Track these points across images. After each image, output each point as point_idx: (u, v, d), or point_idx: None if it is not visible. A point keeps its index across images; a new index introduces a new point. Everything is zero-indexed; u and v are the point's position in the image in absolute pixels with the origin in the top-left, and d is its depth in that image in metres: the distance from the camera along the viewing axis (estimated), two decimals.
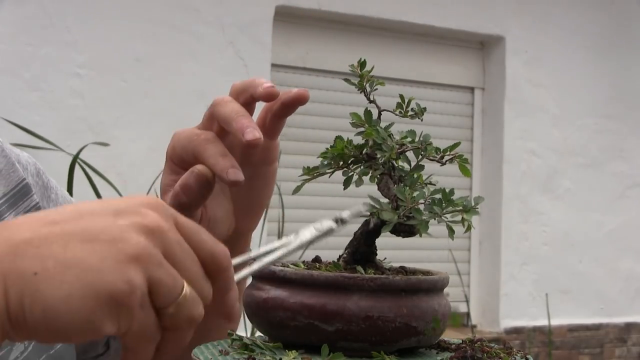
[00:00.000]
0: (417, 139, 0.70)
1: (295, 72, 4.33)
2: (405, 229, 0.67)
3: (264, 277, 0.67)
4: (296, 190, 0.74)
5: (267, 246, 0.64)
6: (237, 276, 0.59)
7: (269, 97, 0.75)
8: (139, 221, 0.50)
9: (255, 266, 0.61)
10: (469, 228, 0.65)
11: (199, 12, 3.95)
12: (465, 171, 0.71)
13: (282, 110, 0.77)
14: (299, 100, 0.77)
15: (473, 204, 0.65)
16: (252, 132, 0.71)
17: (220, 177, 0.72)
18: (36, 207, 0.84)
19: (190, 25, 3.92)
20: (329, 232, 0.66)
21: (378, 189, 0.70)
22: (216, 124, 0.76)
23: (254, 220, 0.84)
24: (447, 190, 0.66)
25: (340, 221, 0.66)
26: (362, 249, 0.70)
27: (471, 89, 4.94)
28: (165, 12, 3.87)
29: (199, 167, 0.73)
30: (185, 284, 0.51)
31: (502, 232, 4.79)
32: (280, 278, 0.65)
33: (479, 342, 0.67)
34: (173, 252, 0.51)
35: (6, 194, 0.83)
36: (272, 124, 0.78)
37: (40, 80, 3.61)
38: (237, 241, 0.84)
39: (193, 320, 0.51)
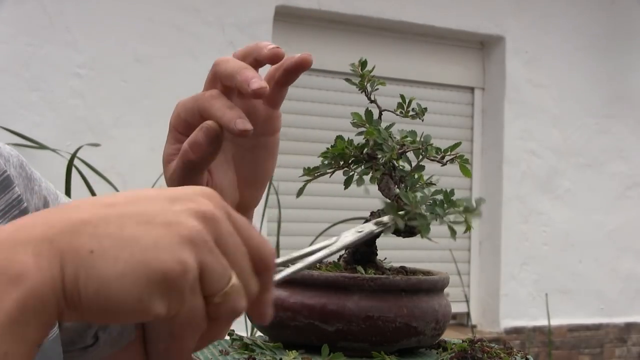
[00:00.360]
0: (417, 139, 0.70)
1: None
2: (406, 230, 0.67)
3: None
4: (300, 192, 0.74)
5: (310, 247, 0.64)
6: (279, 276, 0.59)
7: (274, 58, 0.74)
8: (193, 207, 0.51)
9: (299, 266, 0.62)
10: (468, 228, 0.65)
11: (199, 12, 3.95)
12: (466, 171, 0.71)
13: (285, 76, 0.76)
14: (302, 66, 0.76)
15: (475, 206, 0.65)
16: (258, 82, 0.70)
17: (228, 128, 0.71)
18: (18, 200, 0.84)
19: (190, 25, 3.92)
20: (369, 235, 0.66)
21: (379, 189, 0.70)
22: (219, 84, 0.75)
23: (257, 193, 0.83)
24: (447, 191, 0.66)
25: (381, 224, 0.67)
26: (362, 249, 0.70)
27: (471, 89, 4.94)
28: (165, 12, 3.87)
29: (208, 122, 0.73)
30: (234, 275, 0.51)
31: (502, 232, 4.79)
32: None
33: (479, 342, 0.66)
34: (225, 241, 0.51)
35: None
36: (275, 92, 0.77)
37: (40, 80, 3.61)
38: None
39: (236, 312, 0.52)
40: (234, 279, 0.51)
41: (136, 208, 0.50)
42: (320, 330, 0.62)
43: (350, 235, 0.65)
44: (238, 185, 0.81)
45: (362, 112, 0.71)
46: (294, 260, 0.63)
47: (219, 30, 3.98)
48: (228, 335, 0.68)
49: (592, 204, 5.01)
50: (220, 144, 0.73)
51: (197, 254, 0.49)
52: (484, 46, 4.93)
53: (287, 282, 0.65)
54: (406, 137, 0.70)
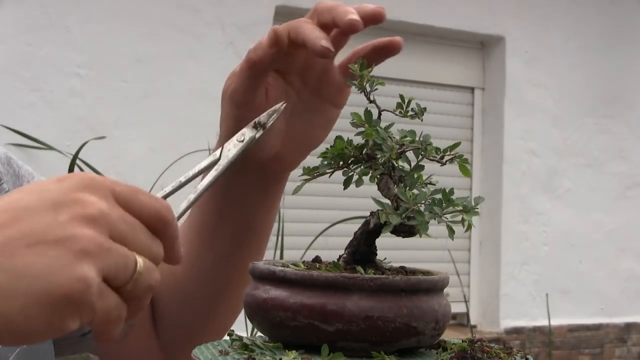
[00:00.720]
0: (417, 139, 0.70)
1: None
2: (405, 229, 0.67)
3: (264, 277, 0.67)
4: (296, 190, 0.73)
5: (196, 168, 0.62)
6: (177, 211, 0.58)
7: (377, 16, 0.75)
8: (79, 212, 0.49)
9: (192, 197, 0.60)
10: (469, 228, 0.65)
11: (199, 12, 3.95)
12: (465, 171, 0.71)
13: (370, 55, 0.77)
14: (392, 48, 0.77)
15: (473, 204, 0.65)
16: (355, 15, 0.72)
17: (312, 45, 0.72)
18: None
19: (190, 25, 3.92)
20: (252, 141, 0.64)
21: (378, 189, 0.70)
22: (315, 20, 0.77)
23: (299, 157, 0.84)
24: (447, 191, 0.66)
25: (259, 125, 0.65)
26: (362, 249, 0.70)
27: (471, 89, 4.94)
28: (165, 12, 3.87)
29: (275, 26, 0.75)
30: (138, 257, 0.51)
31: (502, 232, 4.79)
32: (280, 278, 0.65)
33: (479, 342, 0.66)
34: (119, 230, 0.50)
35: None
36: None
37: (40, 80, 3.61)
38: (276, 181, 0.83)
39: (152, 287, 0.52)
40: (140, 262, 0.51)
41: (21, 227, 0.48)
42: (320, 330, 0.62)
43: (233, 147, 0.64)
44: (285, 144, 0.81)
45: (361, 112, 0.71)
46: (182, 186, 0.61)
47: (219, 30, 3.98)
48: (228, 335, 0.69)
49: (592, 204, 5.02)
50: (281, 48, 0.74)
51: (95, 262, 0.48)
52: (484, 46, 4.93)
53: (286, 283, 0.65)
54: (405, 136, 0.70)
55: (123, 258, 0.50)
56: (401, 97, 0.73)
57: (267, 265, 0.68)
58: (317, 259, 0.74)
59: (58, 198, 0.49)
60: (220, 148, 0.64)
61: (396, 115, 0.73)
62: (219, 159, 0.63)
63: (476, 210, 0.65)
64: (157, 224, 0.53)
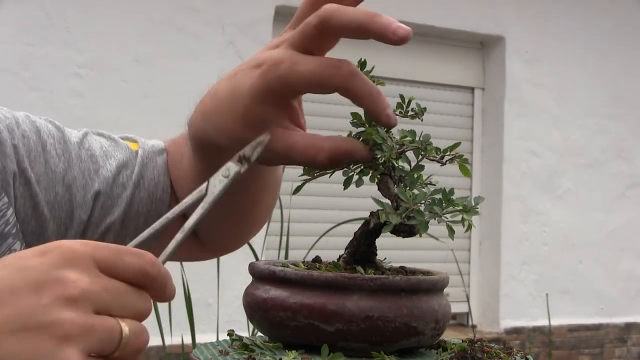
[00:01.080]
0: (417, 139, 0.70)
1: None
2: (405, 229, 0.67)
3: (264, 277, 0.67)
4: (296, 190, 0.73)
5: (182, 204, 0.61)
6: (166, 253, 0.59)
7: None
8: (61, 294, 0.49)
9: (180, 236, 0.60)
10: (469, 228, 0.65)
11: (199, 12, 3.95)
12: (465, 171, 0.70)
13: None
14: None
15: (473, 204, 0.65)
16: (403, 28, 0.61)
17: (378, 119, 0.64)
18: None
19: (190, 25, 3.92)
20: (237, 176, 0.63)
21: (378, 189, 0.70)
22: (329, 36, 0.67)
23: None
24: (447, 191, 0.66)
25: (244, 158, 0.64)
26: (362, 249, 0.70)
27: (471, 89, 4.94)
28: (165, 12, 3.87)
29: (362, 152, 0.66)
30: (123, 324, 0.51)
31: (502, 232, 4.79)
32: (280, 278, 0.65)
33: (479, 342, 0.66)
34: (102, 302, 0.51)
35: None
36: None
37: (40, 80, 3.61)
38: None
39: (140, 350, 0.52)
40: (126, 329, 0.51)
41: (5, 312, 0.48)
42: (320, 330, 0.62)
43: (218, 183, 0.62)
44: None
45: (361, 112, 0.71)
46: (169, 222, 0.60)
47: (219, 30, 3.98)
48: (228, 335, 0.69)
49: (592, 204, 5.02)
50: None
51: (78, 344, 0.49)
52: (484, 46, 4.93)
53: (286, 283, 0.65)
54: (405, 136, 0.70)
55: (108, 330, 0.50)
56: (401, 97, 0.73)
57: (267, 265, 0.67)
58: (317, 259, 0.73)
59: (40, 278, 0.50)
60: (206, 183, 0.62)
61: (396, 115, 0.73)
62: (205, 195, 0.62)
63: (476, 210, 0.65)
64: (144, 280, 0.54)
